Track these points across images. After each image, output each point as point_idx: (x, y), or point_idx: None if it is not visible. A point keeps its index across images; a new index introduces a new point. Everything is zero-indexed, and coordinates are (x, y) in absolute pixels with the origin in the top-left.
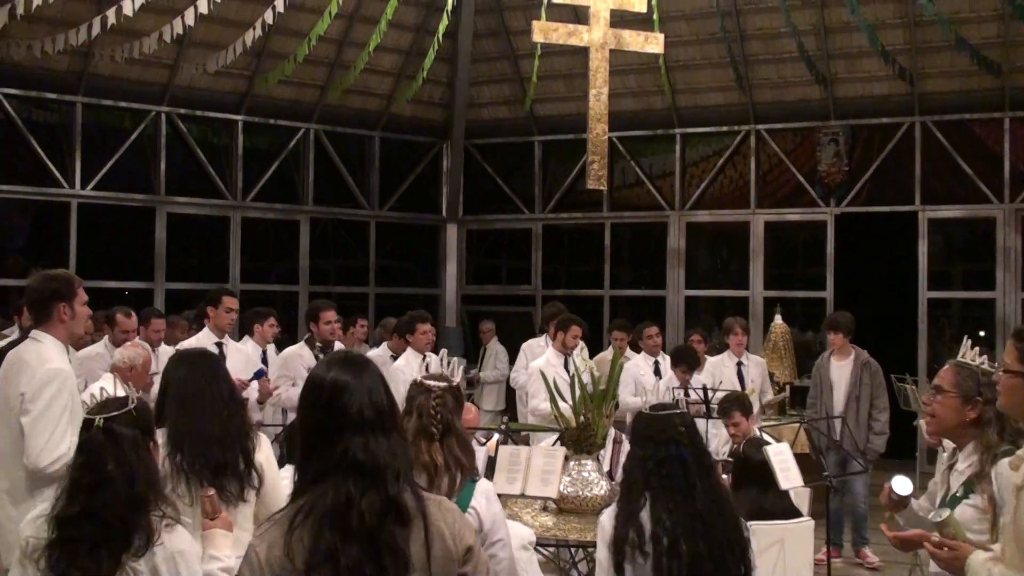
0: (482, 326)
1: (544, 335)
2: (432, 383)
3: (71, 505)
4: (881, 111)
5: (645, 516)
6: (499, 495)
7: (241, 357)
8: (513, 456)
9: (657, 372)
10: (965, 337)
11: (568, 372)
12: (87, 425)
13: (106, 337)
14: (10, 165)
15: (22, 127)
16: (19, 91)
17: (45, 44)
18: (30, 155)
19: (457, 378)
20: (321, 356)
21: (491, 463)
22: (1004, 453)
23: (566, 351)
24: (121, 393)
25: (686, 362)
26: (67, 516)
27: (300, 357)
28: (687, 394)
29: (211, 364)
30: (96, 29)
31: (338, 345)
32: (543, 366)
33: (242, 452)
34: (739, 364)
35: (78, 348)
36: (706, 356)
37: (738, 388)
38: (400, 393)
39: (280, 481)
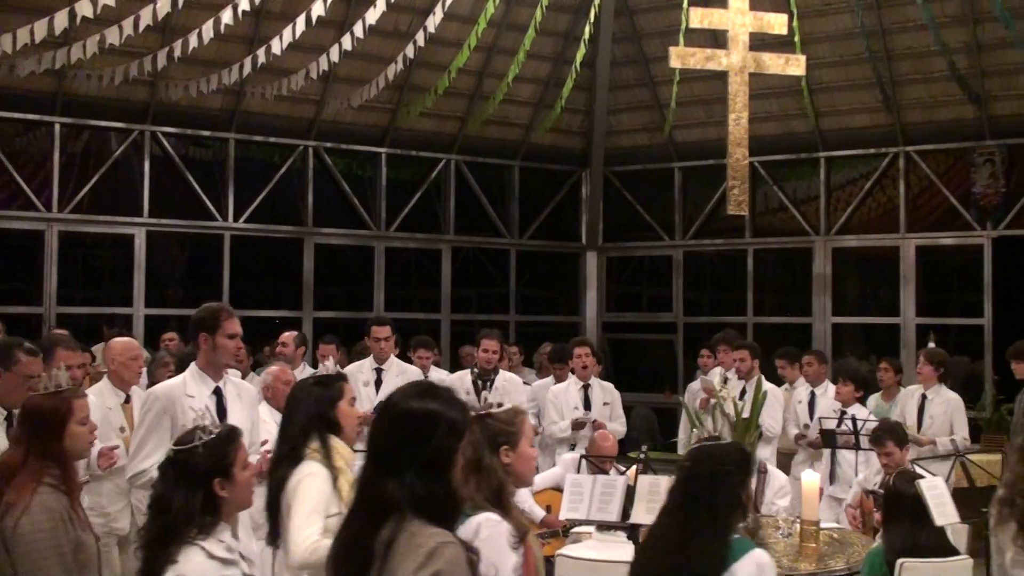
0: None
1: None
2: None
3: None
4: None
5: None
6: (638, 525)
7: (400, 382)
8: (653, 486)
9: (811, 403)
10: None
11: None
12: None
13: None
14: (169, 200)
15: (179, 164)
16: (176, 129)
17: (200, 84)
18: (187, 190)
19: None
20: (479, 381)
21: (631, 492)
22: None
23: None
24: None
25: (855, 379)
26: (141, 531)
27: (460, 381)
28: (840, 423)
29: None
30: (247, 68)
31: (502, 372)
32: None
33: None
34: (923, 396)
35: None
36: (899, 387)
37: (916, 421)
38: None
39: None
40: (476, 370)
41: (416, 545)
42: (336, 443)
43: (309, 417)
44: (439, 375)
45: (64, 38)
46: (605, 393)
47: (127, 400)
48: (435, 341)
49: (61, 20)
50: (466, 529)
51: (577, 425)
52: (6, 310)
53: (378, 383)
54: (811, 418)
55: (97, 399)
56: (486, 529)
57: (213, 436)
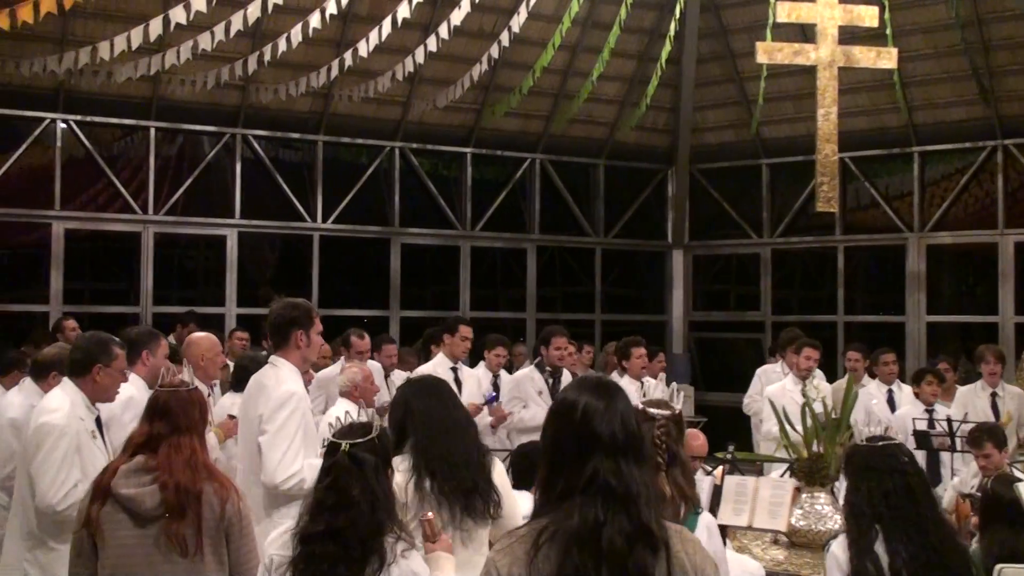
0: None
1: (780, 361)
2: (655, 411)
3: (315, 524)
4: None
5: (880, 549)
6: (726, 527)
7: (474, 382)
8: (740, 487)
9: (891, 402)
10: None
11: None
12: (332, 449)
13: (342, 359)
14: (260, 202)
15: (270, 166)
16: (266, 132)
17: (289, 87)
18: (277, 192)
19: (678, 406)
20: (550, 381)
21: (717, 493)
22: None
23: (800, 375)
24: (364, 418)
25: (934, 373)
26: (311, 534)
27: (531, 380)
28: (932, 425)
29: (449, 391)
30: (335, 71)
31: (567, 371)
32: (776, 392)
33: (484, 474)
34: (993, 395)
35: (317, 371)
36: (956, 386)
37: (991, 420)
38: None
39: (516, 502)
40: (548, 368)
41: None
42: None
43: None
44: (505, 375)
45: (159, 45)
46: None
47: (208, 394)
48: (519, 340)
49: (156, 27)
50: (704, 529)
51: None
52: (105, 310)
53: (458, 383)
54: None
55: None
56: (714, 525)
57: (379, 428)
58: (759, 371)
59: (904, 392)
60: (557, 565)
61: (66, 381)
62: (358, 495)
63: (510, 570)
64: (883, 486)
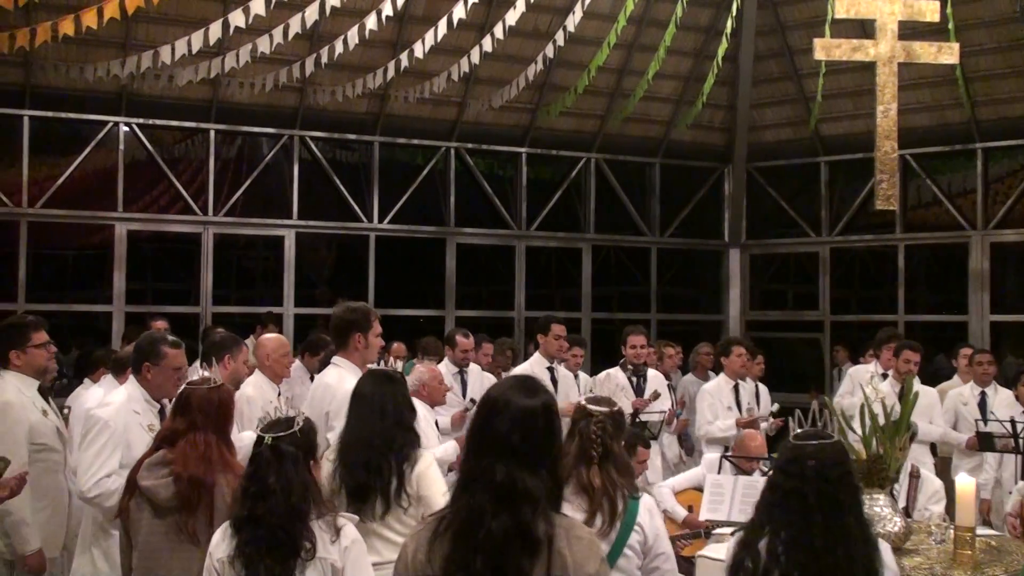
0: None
1: (875, 360)
2: (594, 407)
3: (240, 509)
4: None
5: (763, 546)
6: None
7: (570, 382)
8: None
9: (982, 405)
10: None
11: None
12: (258, 441)
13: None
14: (317, 202)
15: (327, 167)
16: (324, 133)
17: (346, 89)
18: (334, 193)
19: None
20: (634, 379)
21: None
22: None
23: (899, 378)
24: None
25: None
26: (237, 518)
27: (612, 378)
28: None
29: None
30: (391, 72)
31: (651, 371)
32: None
33: (397, 474)
34: None
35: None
36: None
37: None
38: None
39: (437, 495)
40: (630, 367)
41: (577, 537)
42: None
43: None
44: (584, 376)
45: (218, 48)
46: (750, 393)
47: (279, 393)
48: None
49: (215, 31)
50: (646, 510)
51: (748, 424)
52: (166, 309)
53: (553, 381)
54: (984, 420)
55: (256, 392)
56: (656, 508)
57: (302, 423)
58: (851, 371)
59: (1000, 395)
60: (447, 553)
61: (131, 378)
62: (274, 483)
63: (415, 554)
64: (784, 485)
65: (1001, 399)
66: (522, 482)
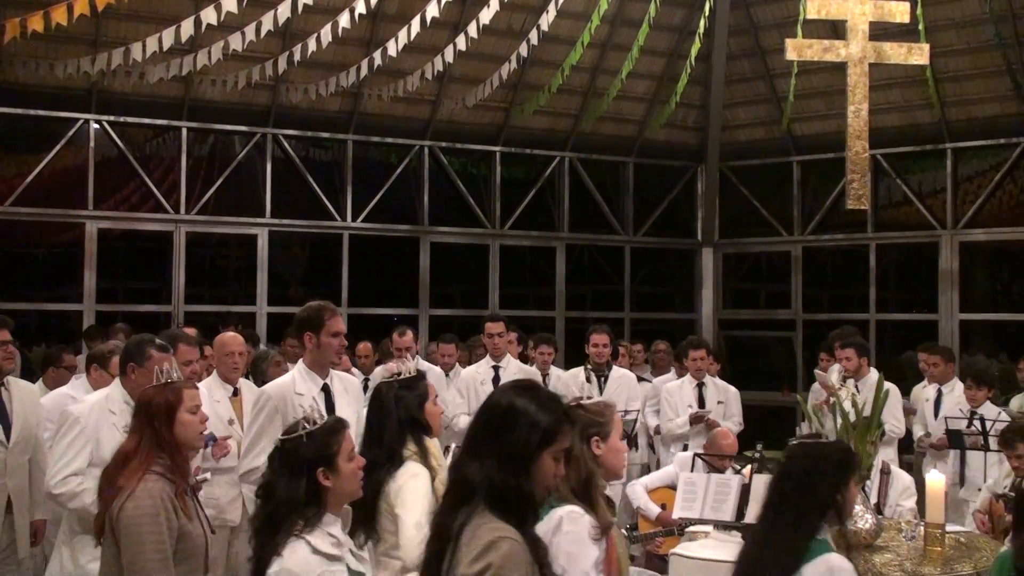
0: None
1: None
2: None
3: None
4: None
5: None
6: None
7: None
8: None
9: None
10: None
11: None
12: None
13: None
14: (290, 201)
15: (300, 165)
16: (297, 132)
17: (319, 87)
18: (307, 191)
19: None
20: (593, 377)
21: (745, 492)
22: None
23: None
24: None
25: (985, 382)
26: (253, 519)
27: (574, 378)
28: (970, 423)
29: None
30: (364, 71)
31: (615, 368)
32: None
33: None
34: None
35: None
36: None
37: None
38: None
39: (407, 518)
40: (590, 366)
41: (477, 536)
42: (430, 444)
43: (403, 419)
44: (556, 373)
45: (190, 45)
46: (719, 392)
47: (235, 393)
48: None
49: (187, 28)
50: (548, 521)
51: (696, 419)
52: (138, 308)
53: (495, 381)
54: (936, 418)
55: (206, 392)
56: (568, 523)
57: (317, 426)
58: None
59: (955, 393)
60: None
61: (116, 379)
62: (275, 488)
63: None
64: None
65: (954, 397)
66: (473, 473)
